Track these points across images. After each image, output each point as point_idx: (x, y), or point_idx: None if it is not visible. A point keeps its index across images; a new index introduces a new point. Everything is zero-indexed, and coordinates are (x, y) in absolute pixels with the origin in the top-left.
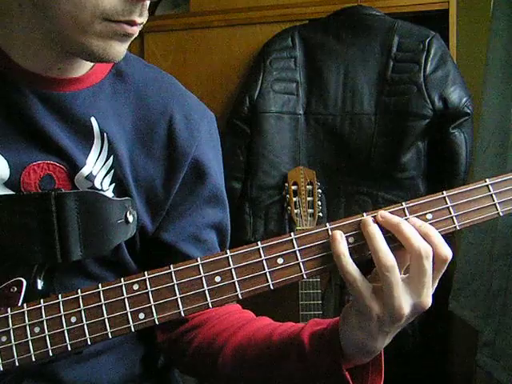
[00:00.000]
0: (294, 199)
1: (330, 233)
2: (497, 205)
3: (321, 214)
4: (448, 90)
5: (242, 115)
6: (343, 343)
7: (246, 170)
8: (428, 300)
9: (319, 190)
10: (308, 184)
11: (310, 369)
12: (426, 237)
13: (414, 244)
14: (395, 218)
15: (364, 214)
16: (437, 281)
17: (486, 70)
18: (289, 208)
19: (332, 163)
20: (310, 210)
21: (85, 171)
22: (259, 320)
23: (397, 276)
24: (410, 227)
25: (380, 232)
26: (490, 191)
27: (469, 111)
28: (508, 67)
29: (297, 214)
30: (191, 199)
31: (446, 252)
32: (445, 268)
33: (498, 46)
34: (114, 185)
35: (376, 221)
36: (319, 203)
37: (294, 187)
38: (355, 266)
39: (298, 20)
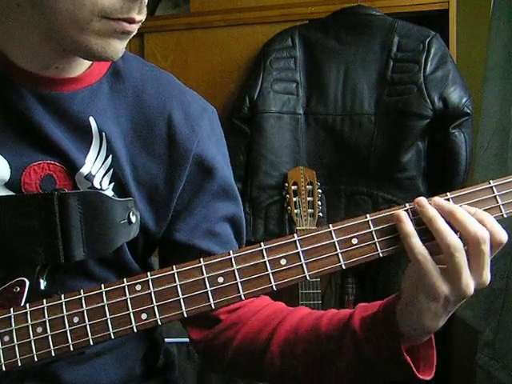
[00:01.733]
0: (294, 199)
1: (333, 234)
2: (501, 206)
3: (321, 214)
4: (448, 90)
5: (242, 115)
6: (402, 327)
7: (246, 169)
8: (488, 277)
9: (319, 190)
10: (308, 184)
11: (367, 357)
12: (481, 223)
13: (471, 229)
14: (449, 205)
15: (367, 215)
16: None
17: (486, 70)
18: (289, 208)
19: (332, 163)
20: (310, 210)
21: (84, 171)
22: (298, 310)
23: (464, 256)
24: (465, 213)
25: (439, 215)
26: (494, 193)
27: (469, 111)
28: (508, 67)
29: (297, 214)
30: (200, 196)
31: (502, 236)
32: (498, 250)
33: (497, 46)
34: (113, 184)
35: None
36: (319, 203)
37: (294, 187)
38: (424, 247)
39: (298, 20)
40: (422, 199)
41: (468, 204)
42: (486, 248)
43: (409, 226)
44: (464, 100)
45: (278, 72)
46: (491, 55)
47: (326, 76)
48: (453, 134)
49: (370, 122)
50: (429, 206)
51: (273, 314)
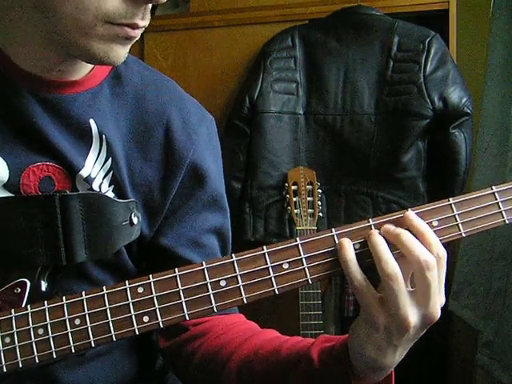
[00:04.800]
0: (294, 199)
1: (336, 239)
2: (503, 212)
3: (321, 214)
4: (448, 90)
5: (242, 115)
6: (353, 359)
7: (246, 170)
8: (436, 311)
9: (319, 190)
10: (308, 184)
11: None
12: (419, 236)
13: (415, 255)
14: (396, 230)
15: (370, 220)
16: (442, 286)
17: (486, 70)
18: (289, 208)
19: (332, 163)
20: (310, 210)
21: (83, 173)
22: (266, 332)
23: (400, 285)
24: (411, 238)
25: (384, 241)
26: (496, 199)
27: (469, 111)
28: (508, 67)
29: (297, 214)
30: (190, 204)
31: (439, 250)
32: (443, 267)
33: (498, 46)
34: (112, 186)
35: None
36: (319, 203)
37: (294, 187)
38: (362, 273)
39: (298, 20)
40: (372, 231)
41: (470, 210)
42: (431, 274)
43: (348, 252)
44: (464, 100)
45: (278, 72)
46: (491, 55)
47: (326, 76)
48: (453, 134)
49: (370, 122)
50: (375, 233)
51: (240, 331)
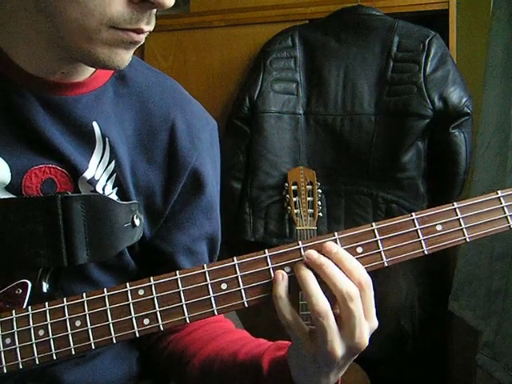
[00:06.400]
0: (294, 199)
1: (339, 242)
2: (508, 217)
3: (321, 214)
4: (448, 90)
5: (242, 115)
6: (293, 375)
7: (246, 170)
8: (362, 341)
9: (319, 190)
10: (308, 184)
11: None
12: (338, 263)
13: (338, 286)
14: (320, 259)
15: (373, 224)
16: (370, 312)
17: (486, 69)
18: (289, 208)
19: (332, 163)
20: (310, 210)
21: (87, 175)
22: (234, 333)
23: (330, 321)
24: (335, 269)
25: (312, 275)
26: (501, 203)
27: (469, 111)
28: (508, 67)
29: (297, 214)
30: (189, 210)
31: (360, 277)
32: (370, 294)
33: (498, 46)
34: (116, 188)
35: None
36: (319, 203)
37: (294, 187)
38: (292, 309)
39: (298, 20)
40: (299, 264)
41: (475, 214)
42: (354, 306)
43: (280, 288)
44: (464, 100)
45: (278, 72)
46: (491, 55)
47: (325, 76)
48: (453, 134)
49: (370, 122)
50: (303, 268)
51: (210, 330)
